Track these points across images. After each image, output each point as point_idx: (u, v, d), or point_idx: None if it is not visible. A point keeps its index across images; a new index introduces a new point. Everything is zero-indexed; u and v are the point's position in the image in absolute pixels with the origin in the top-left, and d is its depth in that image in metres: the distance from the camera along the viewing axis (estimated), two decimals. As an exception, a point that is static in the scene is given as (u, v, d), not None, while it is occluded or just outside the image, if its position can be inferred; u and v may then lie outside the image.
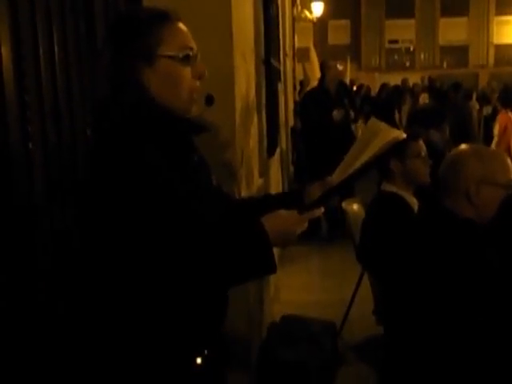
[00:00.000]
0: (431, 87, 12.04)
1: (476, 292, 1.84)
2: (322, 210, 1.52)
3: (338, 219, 4.98)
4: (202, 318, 1.50)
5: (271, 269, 1.41)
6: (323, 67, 7.18)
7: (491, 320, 1.78)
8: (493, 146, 6.81)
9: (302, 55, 12.58)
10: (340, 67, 7.40)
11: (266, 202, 1.77)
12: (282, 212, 1.46)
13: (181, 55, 1.44)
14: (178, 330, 1.45)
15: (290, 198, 1.73)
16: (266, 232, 1.38)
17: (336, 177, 1.71)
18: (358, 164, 1.65)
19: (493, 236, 1.96)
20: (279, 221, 1.43)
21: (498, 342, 1.60)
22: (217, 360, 1.58)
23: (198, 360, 1.49)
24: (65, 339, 1.71)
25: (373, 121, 1.77)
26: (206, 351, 1.51)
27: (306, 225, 1.48)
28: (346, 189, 1.69)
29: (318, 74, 9.94)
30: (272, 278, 4.54)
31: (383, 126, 1.73)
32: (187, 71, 1.45)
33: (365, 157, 1.65)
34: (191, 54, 1.46)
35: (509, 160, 2.04)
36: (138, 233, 1.32)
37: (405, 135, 1.68)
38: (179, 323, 1.45)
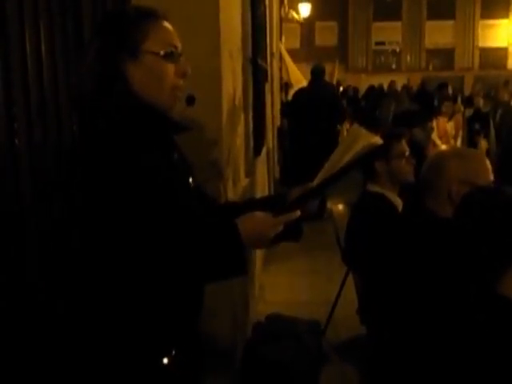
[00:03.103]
0: (418, 91, 12.20)
1: (455, 292, 1.85)
2: (298, 213, 1.52)
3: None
4: (169, 317, 1.49)
5: (243, 270, 1.42)
6: (320, 71, 7.29)
7: (467, 318, 1.80)
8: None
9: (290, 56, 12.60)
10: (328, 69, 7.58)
11: (249, 206, 1.76)
12: (257, 214, 1.48)
13: (164, 52, 1.46)
14: (145, 329, 1.45)
15: (273, 203, 1.72)
16: (238, 233, 1.40)
17: (317, 182, 1.70)
18: (337, 168, 1.65)
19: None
20: (253, 223, 1.45)
21: (477, 340, 1.62)
22: (189, 361, 1.57)
23: (165, 360, 1.48)
24: (63, 339, 1.71)
25: (354, 127, 1.79)
26: (173, 351, 1.49)
27: (280, 227, 1.49)
28: (322, 193, 1.70)
29: (298, 75, 10.00)
30: (257, 278, 4.55)
31: (363, 132, 1.74)
32: (170, 68, 1.47)
33: (343, 162, 1.65)
34: (175, 51, 1.48)
35: (488, 161, 2.07)
36: (124, 225, 1.34)
37: (382, 141, 1.70)
38: (147, 322, 1.45)
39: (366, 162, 3.05)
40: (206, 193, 1.74)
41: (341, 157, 1.67)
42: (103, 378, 1.48)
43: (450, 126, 7.34)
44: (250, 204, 1.87)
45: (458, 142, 7.24)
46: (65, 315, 1.66)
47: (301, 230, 1.61)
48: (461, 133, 7.48)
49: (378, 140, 1.70)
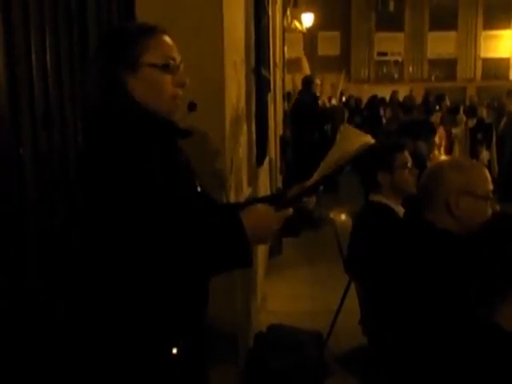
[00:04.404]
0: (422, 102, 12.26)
1: (453, 302, 1.85)
2: (291, 210, 1.58)
3: None
4: (177, 308, 1.54)
5: (247, 262, 1.47)
6: (306, 83, 7.50)
7: (467, 327, 1.80)
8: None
9: (291, 66, 12.64)
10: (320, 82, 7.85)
11: (250, 205, 1.82)
12: (259, 206, 1.52)
13: (161, 64, 1.53)
14: (154, 320, 1.50)
15: (273, 201, 1.76)
16: (242, 225, 1.44)
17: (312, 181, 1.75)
18: (332, 167, 1.71)
19: (471, 248, 1.97)
20: (256, 216, 1.50)
21: (479, 348, 1.61)
22: (195, 353, 1.62)
23: (174, 350, 1.53)
24: (64, 338, 1.72)
25: (346, 127, 1.83)
26: (181, 342, 1.55)
27: (281, 222, 1.54)
28: (317, 191, 1.80)
29: None
30: (259, 288, 4.54)
31: (354, 131, 1.80)
32: (167, 79, 1.54)
33: (338, 161, 1.71)
34: (172, 63, 1.55)
35: (487, 171, 2.08)
36: (126, 225, 1.38)
37: (373, 140, 1.74)
38: (156, 313, 1.50)
39: (365, 166, 3.11)
40: (212, 196, 1.79)
41: (334, 157, 1.73)
42: (110, 373, 1.52)
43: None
44: (252, 203, 1.91)
45: (442, 151, 7.32)
46: (65, 315, 1.69)
47: (301, 227, 1.67)
48: (443, 143, 7.59)
49: (369, 139, 1.73)
